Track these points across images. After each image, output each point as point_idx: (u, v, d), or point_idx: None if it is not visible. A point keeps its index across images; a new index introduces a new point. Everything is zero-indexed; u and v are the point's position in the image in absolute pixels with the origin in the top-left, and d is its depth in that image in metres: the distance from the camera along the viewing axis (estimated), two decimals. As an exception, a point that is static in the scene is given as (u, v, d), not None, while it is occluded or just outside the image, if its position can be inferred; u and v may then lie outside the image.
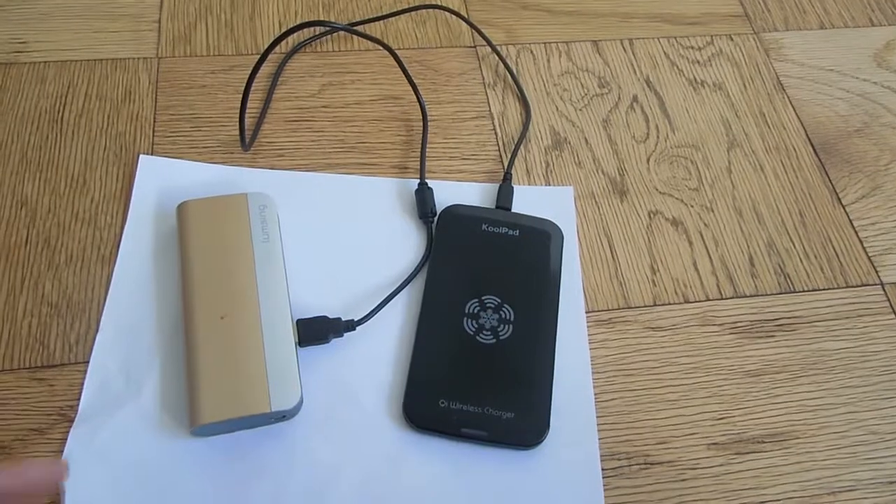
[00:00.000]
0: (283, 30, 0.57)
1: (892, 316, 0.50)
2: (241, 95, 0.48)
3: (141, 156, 0.51)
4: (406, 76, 0.53)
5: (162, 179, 0.50)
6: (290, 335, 0.43)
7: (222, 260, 0.45)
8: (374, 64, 0.58)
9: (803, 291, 0.50)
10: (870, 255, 0.52)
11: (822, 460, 0.44)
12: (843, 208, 0.54)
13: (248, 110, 0.54)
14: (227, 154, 0.52)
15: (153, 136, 0.53)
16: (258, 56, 0.56)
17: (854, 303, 0.50)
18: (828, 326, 0.49)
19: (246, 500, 0.40)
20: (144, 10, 0.59)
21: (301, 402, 0.42)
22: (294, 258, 0.48)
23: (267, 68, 0.57)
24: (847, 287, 0.51)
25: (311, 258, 0.48)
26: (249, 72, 0.48)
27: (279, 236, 0.46)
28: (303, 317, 0.45)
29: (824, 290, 0.51)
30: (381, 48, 0.57)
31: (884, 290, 0.51)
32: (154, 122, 0.53)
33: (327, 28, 0.53)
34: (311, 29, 0.58)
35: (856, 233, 0.53)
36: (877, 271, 0.52)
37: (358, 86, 0.57)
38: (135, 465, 0.41)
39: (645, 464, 0.43)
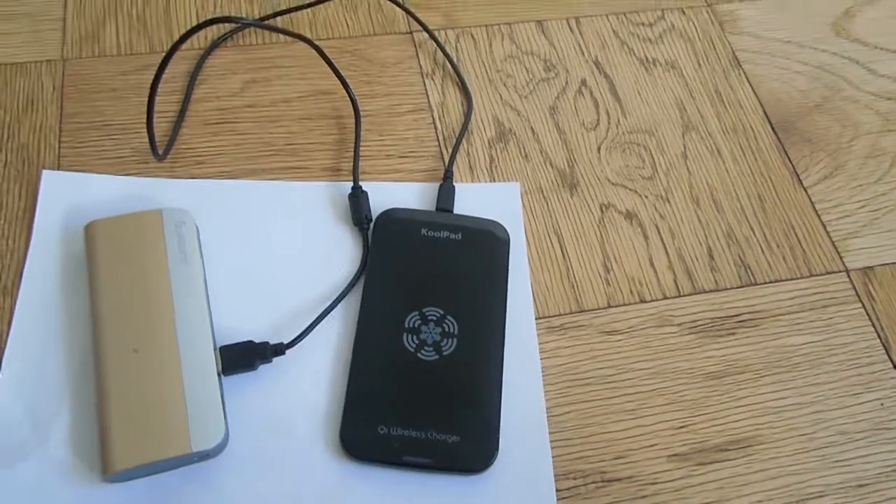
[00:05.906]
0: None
1: (858, 305, 0.47)
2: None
3: (44, 171, 0.46)
4: (332, 69, 0.49)
5: (69, 197, 0.46)
6: (212, 365, 0.39)
7: (135, 285, 0.41)
8: (301, 56, 0.53)
9: (765, 283, 0.48)
10: (833, 240, 0.50)
11: (789, 465, 0.42)
12: (805, 191, 0.52)
13: (165, 114, 0.50)
14: (141, 164, 0.48)
15: (59, 147, 0.48)
16: (173, 53, 0.51)
17: (818, 293, 0.48)
18: (791, 320, 0.46)
19: (169, 550, 0.37)
20: (46, 7, 0.54)
21: (226, 438, 0.38)
22: (217, 277, 0.44)
23: (184, 66, 0.52)
24: (811, 276, 0.48)
25: (236, 276, 0.44)
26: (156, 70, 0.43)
27: (199, 254, 0.43)
28: (227, 342, 0.41)
29: (787, 280, 0.48)
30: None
31: (849, 277, 0.48)
32: (60, 132, 0.49)
33: (237, 25, 0.49)
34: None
35: (818, 216, 0.51)
36: (841, 257, 0.49)
37: (284, 81, 0.52)
38: (45, 519, 0.37)
39: (602, 481, 0.41)
